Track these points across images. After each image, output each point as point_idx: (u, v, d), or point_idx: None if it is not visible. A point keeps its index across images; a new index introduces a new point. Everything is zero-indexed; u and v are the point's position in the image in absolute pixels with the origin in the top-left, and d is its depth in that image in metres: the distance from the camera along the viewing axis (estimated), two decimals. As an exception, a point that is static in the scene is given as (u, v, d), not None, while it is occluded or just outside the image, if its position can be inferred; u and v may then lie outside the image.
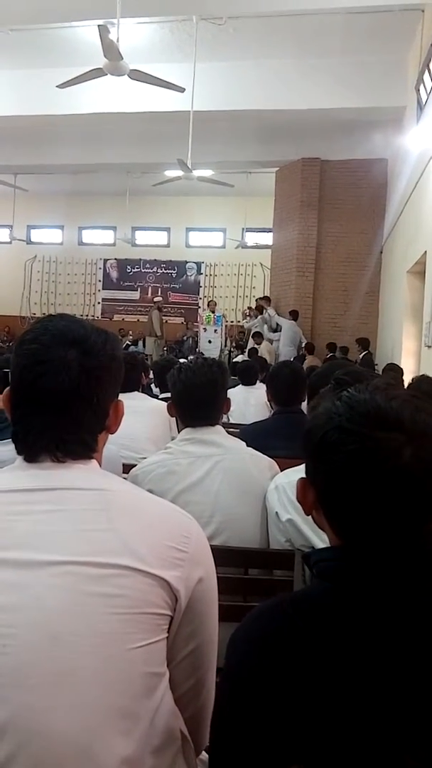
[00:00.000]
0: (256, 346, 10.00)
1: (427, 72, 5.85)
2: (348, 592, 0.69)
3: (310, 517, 1.47)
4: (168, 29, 7.43)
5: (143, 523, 0.80)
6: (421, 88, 6.15)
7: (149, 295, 15.60)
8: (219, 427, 1.65)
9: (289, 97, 8.09)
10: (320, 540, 1.42)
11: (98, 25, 5.05)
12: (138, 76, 5.67)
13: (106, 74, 5.53)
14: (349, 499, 0.70)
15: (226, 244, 15.12)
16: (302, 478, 0.78)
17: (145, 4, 6.18)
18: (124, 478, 1.67)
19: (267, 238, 12.54)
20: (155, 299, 13.09)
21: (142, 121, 8.93)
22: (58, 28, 7.26)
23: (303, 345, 9.99)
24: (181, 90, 6.34)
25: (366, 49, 7.57)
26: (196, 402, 1.60)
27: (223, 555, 1.49)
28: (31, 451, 0.81)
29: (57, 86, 6.39)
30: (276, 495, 1.53)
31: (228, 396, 3.34)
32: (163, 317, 12.39)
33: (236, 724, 0.69)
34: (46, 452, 0.81)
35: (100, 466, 0.87)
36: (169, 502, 0.90)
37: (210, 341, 11.45)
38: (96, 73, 5.67)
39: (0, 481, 0.81)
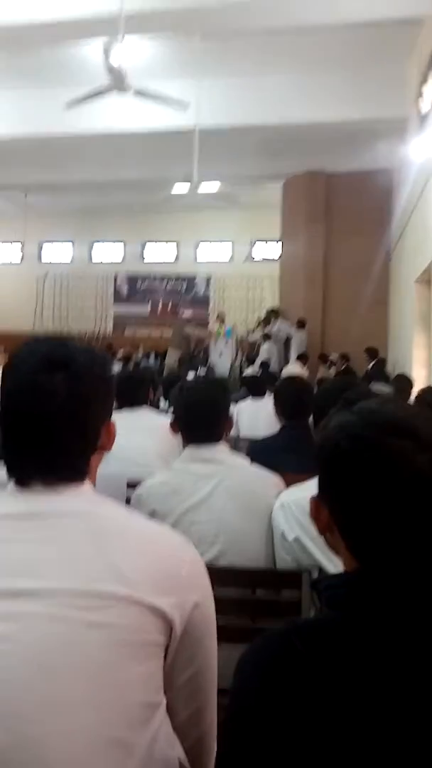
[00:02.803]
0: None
1: (428, 82, 5.87)
2: (355, 620, 0.67)
3: (317, 535, 1.46)
4: (171, 46, 7.53)
5: (135, 548, 0.79)
6: (423, 98, 6.17)
7: (159, 308, 15.66)
8: (222, 445, 1.64)
9: (293, 111, 8.17)
10: (328, 560, 1.40)
11: (103, 43, 5.13)
12: (142, 93, 5.75)
13: (111, 92, 5.61)
14: (364, 510, 0.69)
15: (235, 257, 15.19)
16: (314, 497, 0.77)
17: (148, 22, 6.28)
18: (128, 497, 1.67)
19: (275, 251, 12.57)
20: (184, 316, 13.10)
21: (149, 138, 9.05)
22: (63, 48, 7.39)
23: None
24: (184, 107, 6.42)
25: (367, 61, 7.62)
26: (198, 421, 1.60)
27: (229, 576, 1.47)
28: (21, 476, 0.81)
29: (65, 106, 6.49)
30: (282, 513, 1.51)
31: (237, 409, 3.36)
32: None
33: (240, 749, 0.68)
34: (37, 477, 0.80)
35: (95, 485, 0.86)
36: (162, 525, 0.89)
37: (221, 354, 11.44)
38: (101, 91, 5.76)
39: None
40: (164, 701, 0.78)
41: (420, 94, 6.21)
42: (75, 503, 0.80)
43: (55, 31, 6.56)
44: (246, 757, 0.66)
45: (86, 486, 0.84)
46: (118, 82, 5.50)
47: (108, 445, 0.89)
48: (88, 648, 0.72)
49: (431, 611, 0.66)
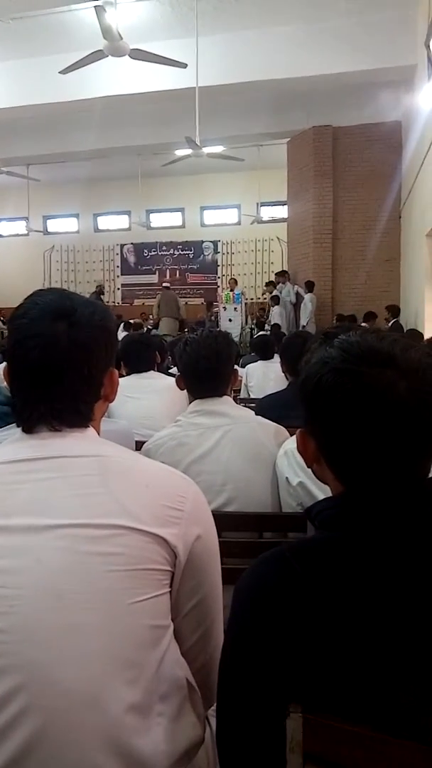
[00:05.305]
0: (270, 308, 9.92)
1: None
2: (347, 537, 0.70)
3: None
4: (168, 4, 7.31)
5: (138, 485, 0.83)
6: (431, 43, 5.93)
7: (168, 277, 15.59)
8: (227, 398, 1.67)
9: (296, 64, 7.92)
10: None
11: (95, 6, 5.00)
12: (139, 55, 5.62)
13: (107, 56, 5.49)
14: (348, 439, 0.71)
15: (242, 220, 14.97)
16: (301, 429, 0.79)
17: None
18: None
19: (282, 211, 12.37)
20: (164, 283, 13.06)
21: (150, 101, 8.86)
22: (57, 12, 7.20)
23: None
24: (183, 66, 6.27)
25: (371, 8, 7.34)
26: (202, 374, 1.62)
27: (237, 520, 1.52)
28: (28, 422, 0.84)
29: (59, 72, 6.37)
30: (285, 460, 1.55)
31: (245, 371, 3.34)
32: (182, 298, 12.29)
33: (238, 668, 0.72)
34: (43, 422, 0.84)
35: (99, 434, 0.90)
36: (165, 465, 0.92)
37: (230, 320, 11.40)
38: (97, 55, 5.64)
39: (2, 453, 0.85)
40: (171, 625, 0.83)
41: (429, 39, 5.94)
42: (80, 445, 0.84)
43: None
44: (248, 673, 0.70)
45: (90, 431, 0.87)
46: (113, 45, 5.38)
47: (111, 394, 0.93)
48: (95, 576, 0.76)
49: (412, 525, 0.69)
